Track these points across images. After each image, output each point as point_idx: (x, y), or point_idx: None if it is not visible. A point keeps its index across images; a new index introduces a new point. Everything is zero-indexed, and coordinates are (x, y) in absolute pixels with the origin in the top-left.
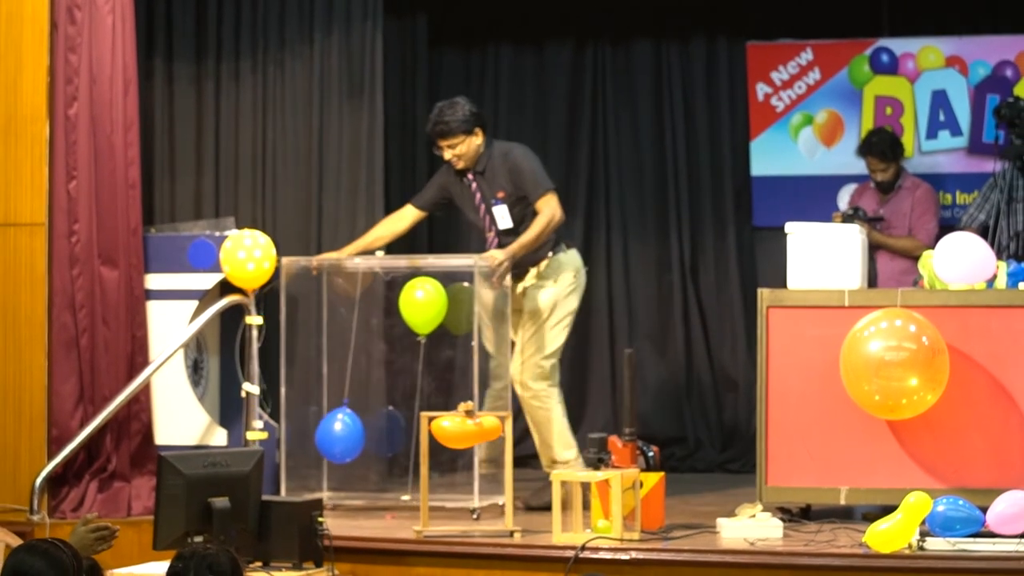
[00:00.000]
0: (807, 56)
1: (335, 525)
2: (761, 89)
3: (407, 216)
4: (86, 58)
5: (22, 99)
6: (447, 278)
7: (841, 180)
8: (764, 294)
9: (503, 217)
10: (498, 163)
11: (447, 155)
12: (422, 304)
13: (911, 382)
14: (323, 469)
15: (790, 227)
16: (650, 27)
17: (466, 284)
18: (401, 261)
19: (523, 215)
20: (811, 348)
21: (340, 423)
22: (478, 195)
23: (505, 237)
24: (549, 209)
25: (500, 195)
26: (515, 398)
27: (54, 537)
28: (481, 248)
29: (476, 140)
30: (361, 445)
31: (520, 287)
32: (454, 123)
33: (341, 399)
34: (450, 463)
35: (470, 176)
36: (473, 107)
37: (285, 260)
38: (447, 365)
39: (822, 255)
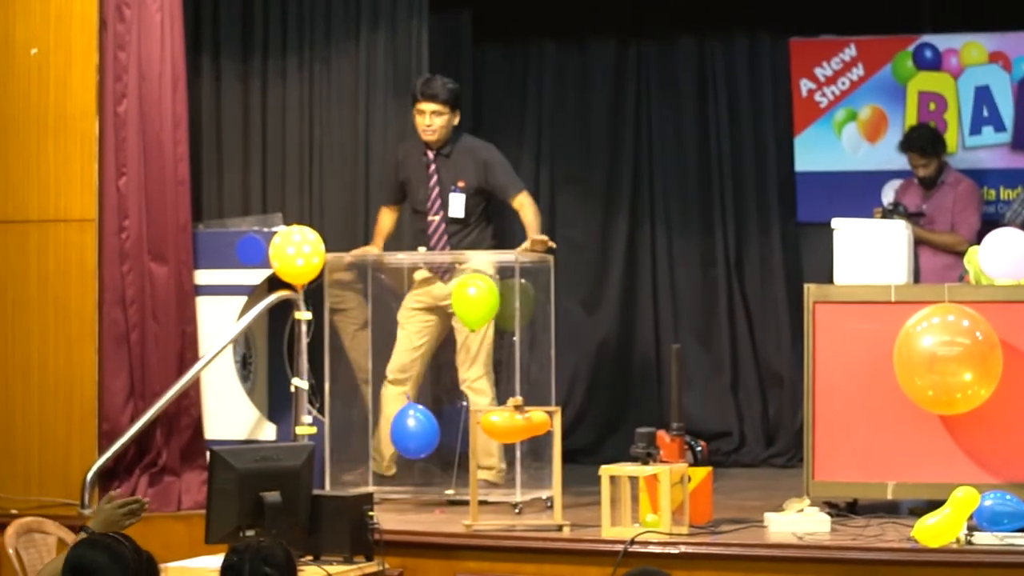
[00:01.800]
0: (850, 52)
1: (384, 519)
2: (805, 85)
3: (392, 213)
4: (135, 55)
5: (72, 97)
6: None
7: (885, 176)
8: (811, 290)
9: (457, 206)
10: (465, 154)
11: (425, 120)
12: (475, 300)
13: (965, 377)
14: (368, 464)
15: (836, 223)
16: (693, 24)
17: (523, 281)
18: (445, 256)
19: (475, 209)
20: (857, 343)
21: (413, 419)
22: (435, 176)
23: (452, 225)
24: (531, 203)
25: (460, 184)
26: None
27: (116, 532)
28: (418, 238)
29: (454, 120)
30: (436, 440)
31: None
32: (444, 92)
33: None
34: None
35: (431, 155)
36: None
37: (329, 256)
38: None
39: (868, 251)
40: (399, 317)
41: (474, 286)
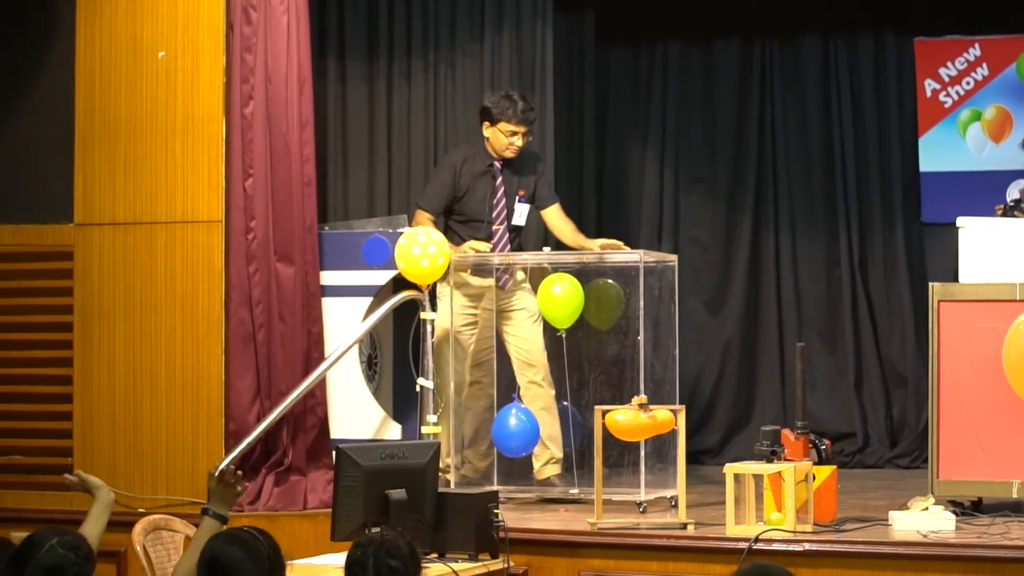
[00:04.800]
0: (975, 52)
1: (509, 517)
2: (929, 85)
3: (433, 222)
4: (261, 57)
5: (199, 99)
6: (615, 273)
7: (1010, 175)
8: (935, 288)
9: (522, 215)
10: (523, 163)
11: (517, 141)
12: (560, 299)
13: None
14: (492, 463)
15: (962, 221)
16: (817, 24)
17: (609, 281)
18: (569, 257)
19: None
20: (982, 341)
21: (515, 418)
22: (502, 188)
23: (513, 233)
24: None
25: (522, 193)
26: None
27: (251, 526)
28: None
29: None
30: (536, 439)
31: (512, 286)
32: (535, 115)
33: (511, 393)
34: (616, 457)
35: (498, 165)
36: None
37: (454, 256)
38: (613, 359)
39: (994, 249)
40: (447, 319)
41: (559, 285)
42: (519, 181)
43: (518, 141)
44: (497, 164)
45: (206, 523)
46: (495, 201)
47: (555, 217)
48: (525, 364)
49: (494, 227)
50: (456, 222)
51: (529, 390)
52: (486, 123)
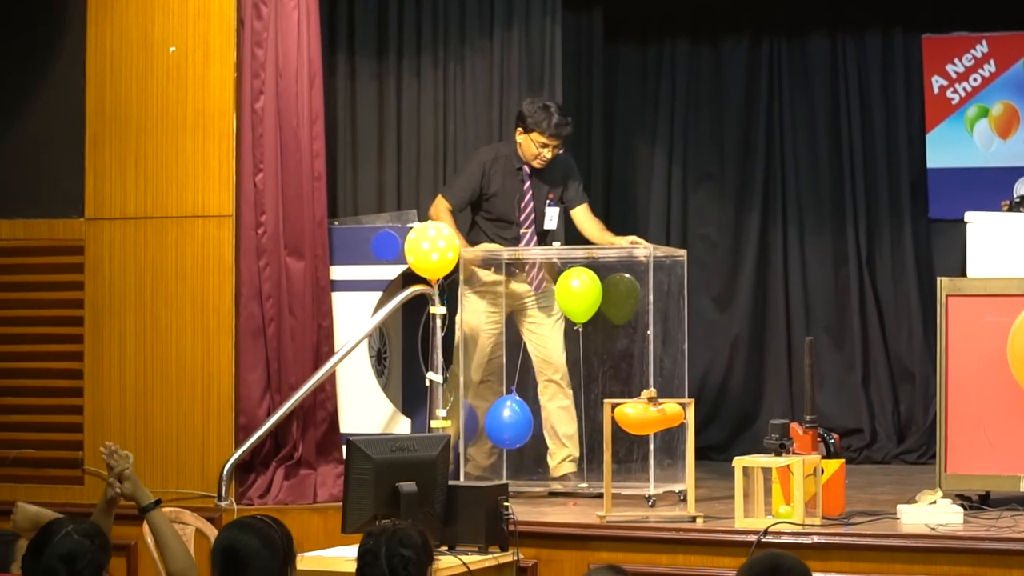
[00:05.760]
0: (982, 48)
1: (519, 510)
2: (936, 82)
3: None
4: (272, 53)
5: (210, 94)
6: (624, 268)
7: (1017, 172)
8: (943, 283)
9: (553, 219)
10: (556, 165)
11: (547, 152)
12: (578, 293)
13: None
14: (502, 456)
15: (970, 216)
16: (826, 21)
17: (626, 275)
18: (578, 252)
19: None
20: (990, 336)
21: (509, 410)
22: (530, 192)
23: (541, 238)
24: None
25: (551, 197)
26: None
27: (263, 515)
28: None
29: None
30: (530, 431)
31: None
32: (570, 129)
33: (524, 387)
34: (625, 451)
35: (527, 170)
36: None
37: (464, 251)
38: (623, 353)
39: (1002, 244)
40: (471, 319)
41: (577, 279)
42: (549, 185)
43: (548, 153)
44: (526, 168)
45: (157, 517)
46: (523, 204)
47: (582, 216)
48: (544, 362)
49: (522, 230)
50: (484, 219)
51: (548, 388)
52: (520, 129)
